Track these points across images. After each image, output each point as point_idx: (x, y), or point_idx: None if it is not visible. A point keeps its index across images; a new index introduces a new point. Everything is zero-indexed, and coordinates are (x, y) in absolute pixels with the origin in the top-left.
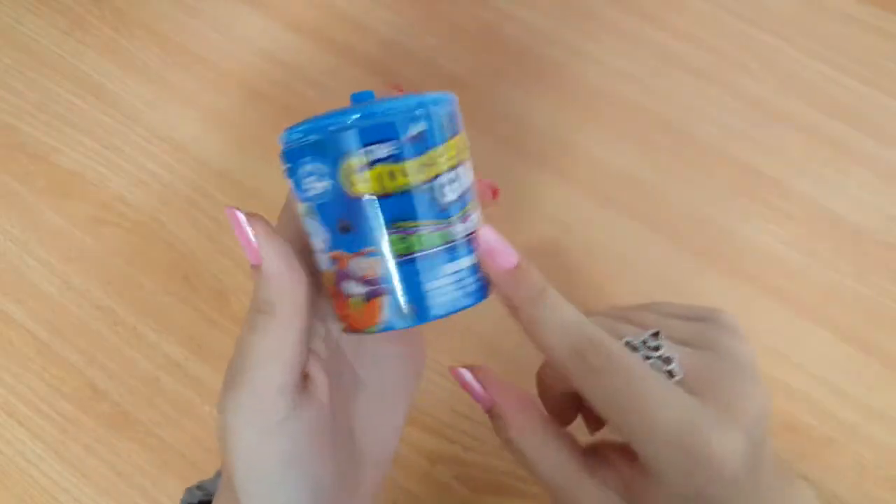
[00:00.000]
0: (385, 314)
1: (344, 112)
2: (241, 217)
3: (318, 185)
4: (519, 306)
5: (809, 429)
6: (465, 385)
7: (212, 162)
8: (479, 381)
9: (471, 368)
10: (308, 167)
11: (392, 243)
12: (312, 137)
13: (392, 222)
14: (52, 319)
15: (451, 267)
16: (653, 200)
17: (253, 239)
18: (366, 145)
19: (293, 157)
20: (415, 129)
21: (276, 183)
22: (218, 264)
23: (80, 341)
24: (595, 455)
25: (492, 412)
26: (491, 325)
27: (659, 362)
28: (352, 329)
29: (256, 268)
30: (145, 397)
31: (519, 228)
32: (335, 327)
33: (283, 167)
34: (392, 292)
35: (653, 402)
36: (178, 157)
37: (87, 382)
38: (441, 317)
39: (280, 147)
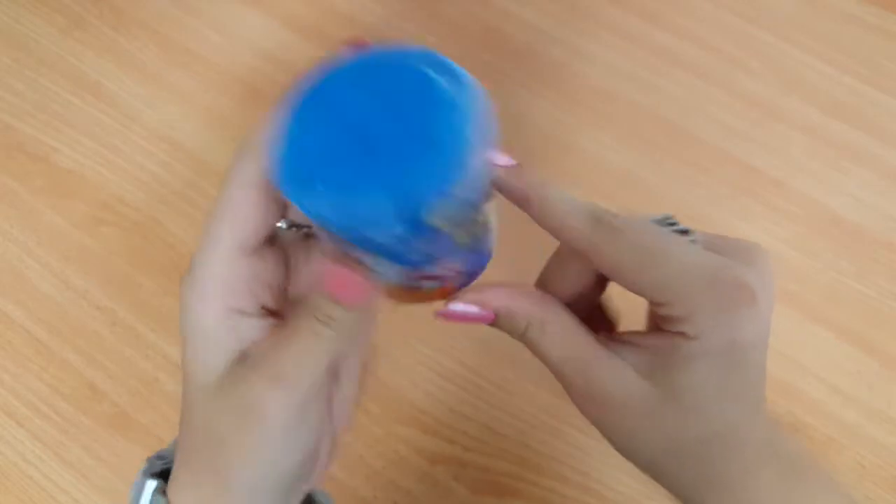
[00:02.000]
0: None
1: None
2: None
3: None
4: (529, 191)
5: (810, 429)
6: (461, 317)
7: (211, 161)
8: (471, 303)
9: (455, 299)
10: None
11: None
12: None
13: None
14: (52, 320)
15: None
16: (653, 200)
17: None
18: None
19: None
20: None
21: None
22: None
23: (79, 341)
24: (610, 339)
25: (497, 319)
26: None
27: (678, 234)
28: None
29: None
30: (145, 398)
31: (519, 228)
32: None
33: None
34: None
35: (678, 250)
36: (177, 157)
37: (87, 383)
38: None
39: None
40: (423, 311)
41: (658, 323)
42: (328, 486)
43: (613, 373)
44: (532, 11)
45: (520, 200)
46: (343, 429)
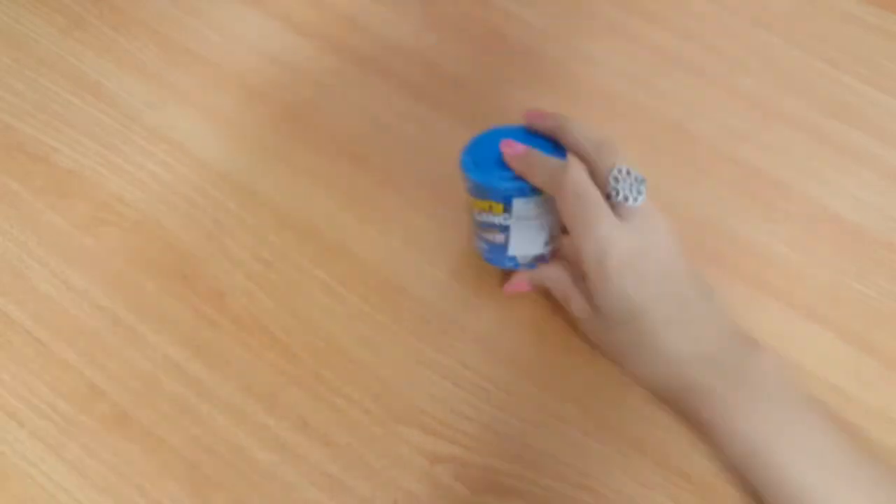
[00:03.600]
0: None
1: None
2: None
3: None
4: (526, 171)
5: None
6: (515, 291)
7: (211, 162)
8: (517, 280)
9: (513, 282)
10: None
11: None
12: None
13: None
14: (52, 319)
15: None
16: (653, 201)
17: None
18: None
19: None
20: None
21: (274, 182)
22: (218, 264)
23: (79, 341)
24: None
25: (533, 286)
26: (488, 325)
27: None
28: None
29: None
30: (145, 397)
31: None
32: None
33: None
34: None
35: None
36: (177, 157)
37: (87, 383)
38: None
39: None
40: (420, 311)
41: None
42: (328, 486)
43: (581, 300)
44: (532, 12)
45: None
46: None
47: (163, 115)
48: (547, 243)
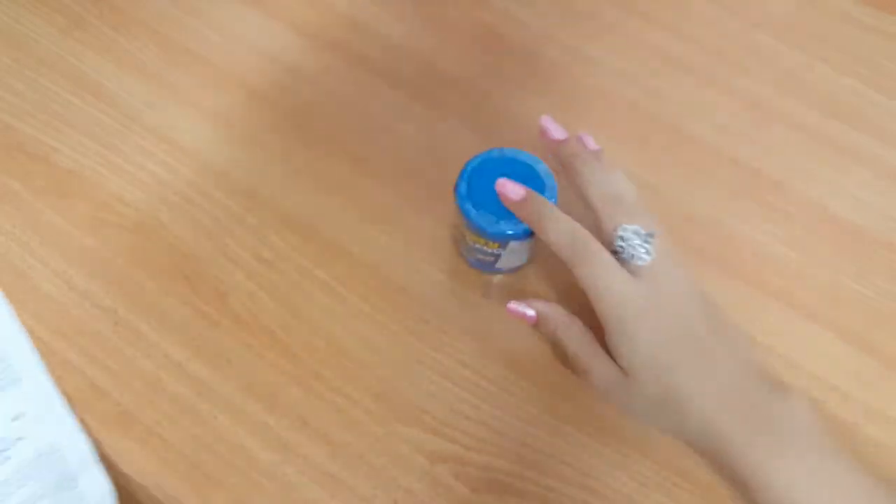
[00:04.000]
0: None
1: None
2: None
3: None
4: (529, 219)
5: None
6: (517, 313)
7: (211, 161)
8: (522, 304)
9: (517, 302)
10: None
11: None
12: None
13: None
14: (53, 319)
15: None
16: (652, 201)
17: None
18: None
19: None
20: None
21: (274, 182)
22: (218, 264)
23: (80, 341)
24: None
25: (538, 321)
26: (488, 325)
27: (635, 252)
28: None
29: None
30: (146, 397)
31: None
32: None
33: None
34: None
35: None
36: (177, 157)
37: (88, 382)
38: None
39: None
40: (420, 311)
41: None
42: (328, 485)
43: (605, 365)
44: (532, 13)
45: (528, 222)
46: None
47: (163, 115)
48: (530, 257)
